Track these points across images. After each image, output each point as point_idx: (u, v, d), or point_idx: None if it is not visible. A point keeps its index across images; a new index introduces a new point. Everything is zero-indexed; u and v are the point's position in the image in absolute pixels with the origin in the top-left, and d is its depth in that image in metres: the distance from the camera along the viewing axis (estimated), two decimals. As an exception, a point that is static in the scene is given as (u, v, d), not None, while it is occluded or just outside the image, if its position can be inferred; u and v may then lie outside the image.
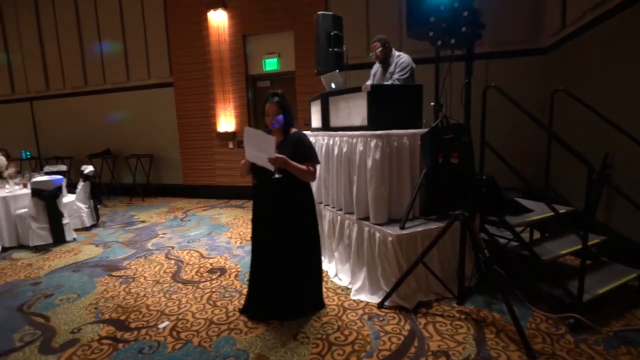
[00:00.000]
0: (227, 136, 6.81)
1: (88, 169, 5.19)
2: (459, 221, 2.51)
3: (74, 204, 5.01)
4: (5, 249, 4.31)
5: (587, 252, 2.31)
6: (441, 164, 2.84)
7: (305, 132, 3.99)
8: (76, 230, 4.86)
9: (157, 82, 7.20)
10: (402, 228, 2.72)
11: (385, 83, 3.62)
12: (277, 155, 2.21)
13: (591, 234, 2.83)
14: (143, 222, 5.51)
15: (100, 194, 6.38)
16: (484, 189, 2.86)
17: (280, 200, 2.42)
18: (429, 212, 2.99)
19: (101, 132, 7.72)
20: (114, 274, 3.52)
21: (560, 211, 2.97)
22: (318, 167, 3.54)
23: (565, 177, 4.15)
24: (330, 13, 4.18)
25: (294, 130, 2.47)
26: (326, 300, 2.79)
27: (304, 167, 2.35)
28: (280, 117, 2.38)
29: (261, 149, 2.24)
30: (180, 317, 2.66)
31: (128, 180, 7.46)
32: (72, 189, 5.39)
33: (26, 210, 4.35)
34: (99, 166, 7.46)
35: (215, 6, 6.44)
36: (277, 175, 2.29)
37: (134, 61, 7.28)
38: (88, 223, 5.14)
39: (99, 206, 5.54)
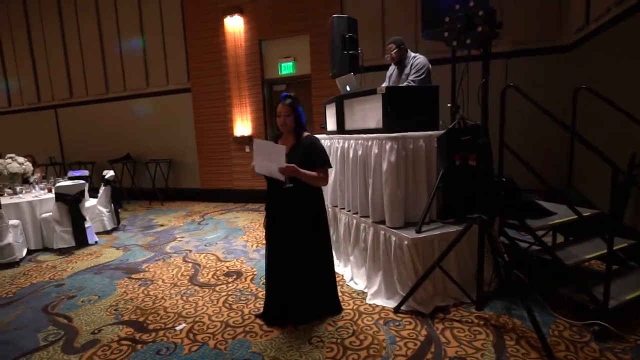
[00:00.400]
0: (243, 140, 6.88)
1: (109, 173, 5.34)
2: (476, 224, 2.45)
3: (95, 208, 5.16)
4: (31, 252, 4.47)
5: (612, 256, 2.22)
6: (459, 166, 2.79)
7: (320, 135, 4.01)
8: (98, 233, 4.99)
9: (175, 88, 7.36)
10: (419, 232, 2.68)
11: (401, 85, 3.59)
12: (287, 165, 2.21)
13: (618, 238, 2.72)
14: (162, 225, 5.61)
15: (121, 198, 6.55)
16: (503, 191, 2.79)
17: (290, 203, 2.43)
18: (447, 215, 2.94)
19: (122, 138, 7.93)
20: (133, 276, 3.59)
21: (585, 214, 2.87)
22: (332, 170, 3.58)
23: (591, 178, 4.01)
24: (345, 16, 4.18)
25: (306, 134, 2.48)
26: (342, 305, 2.76)
27: (314, 173, 2.34)
28: (291, 120, 2.38)
29: (271, 160, 2.24)
30: (197, 319, 2.68)
31: (147, 185, 7.63)
32: (94, 193, 5.56)
33: (50, 214, 4.50)
34: (119, 171, 7.66)
35: (231, 12, 6.54)
36: (288, 185, 2.29)
37: (153, 68, 7.47)
38: (109, 226, 5.28)
39: (119, 210, 5.68)
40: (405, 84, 3.53)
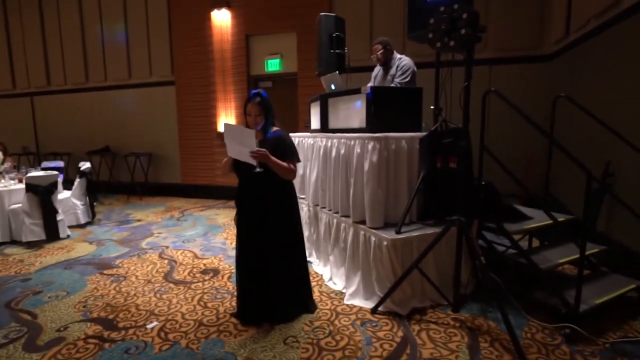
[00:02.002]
0: (226, 136, 6.76)
1: (85, 165, 5.16)
2: (455, 227, 2.46)
3: (69, 200, 4.98)
4: (-2, 244, 4.28)
5: (584, 261, 2.26)
6: (439, 168, 2.80)
7: (304, 133, 3.98)
8: (71, 227, 4.82)
9: (159, 80, 7.19)
10: (398, 232, 2.67)
11: (386, 86, 3.58)
12: (259, 149, 2.21)
13: (590, 244, 2.78)
14: (139, 220, 5.47)
15: (97, 191, 6.36)
16: (483, 194, 2.81)
17: (261, 197, 2.40)
18: (427, 216, 2.94)
19: (101, 129, 7.70)
20: (105, 272, 3.47)
21: (560, 219, 2.92)
22: (314, 168, 3.55)
23: (568, 185, 4.10)
24: (333, 14, 4.16)
25: (275, 128, 2.46)
26: (319, 305, 2.74)
27: (285, 164, 2.35)
28: (261, 119, 2.37)
29: (243, 144, 2.22)
30: (170, 317, 2.61)
31: (126, 178, 7.42)
32: (69, 185, 5.37)
33: (20, 205, 4.32)
34: (97, 163, 7.44)
35: (219, 5, 6.43)
36: (258, 169, 2.28)
37: (136, 59, 7.28)
38: (83, 220, 5.11)
39: (95, 203, 5.51)
40: (392, 85, 3.53)
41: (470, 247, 2.52)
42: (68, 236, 4.57)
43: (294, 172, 2.42)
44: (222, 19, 6.53)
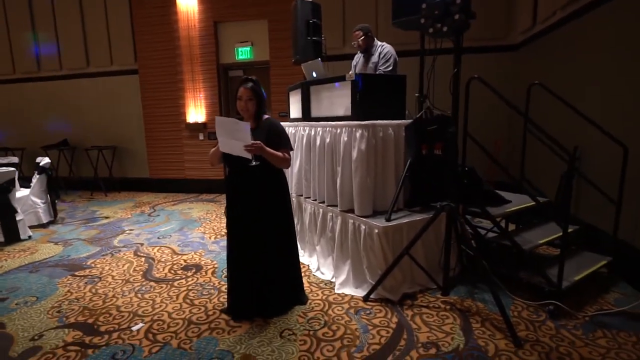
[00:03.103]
0: (197, 127, 6.53)
1: (44, 160, 4.78)
2: (445, 212, 2.50)
3: (28, 198, 4.60)
4: (-52, 249, 3.88)
5: (567, 240, 2.38)
6: (425, 155, 2.83)
7: (284, 122, 3.89)
8: (31, 227, 4.46)
9: (121, 69, 6.76)
10: (389, 220, 2.68)
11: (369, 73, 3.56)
12: (254, 142, 2.13)
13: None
14: (107, 217, 5.16)
15: (58, 187, 5.94)
16: (466, 180, 2.88)
17: (257, 181, 2.33)
18: (414, 203, 2.98)
19: (58, 122, 7.15)
20: (77, 273, 3.25)
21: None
22: (296, 157, 3.49)
23: (535, 169, 4.29)
24: (309, 0, 4.06)
25: (266, 116, 2.39)
26: (310, 295, 2.72)
27: (280, 153, 2.29)
28: (252, 104, 2.29)
29: (236, 137, 2.13)
30: (156, 317, 2.48)
31: (88, 174, 6.98)
32: (24, 182, 4.96)
33: (-27, 205, 3.93)
34: (55, 158, 6.93)
35: (183, -11, 6.11)
36: (254, 163, 2.22)
37: (94, 46, 6.79)
38: (45, 219, 4.74)
39: (56, 201, 5.13)
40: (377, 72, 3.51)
41: (457, 232, 2.58)
42: (30, 237, 4.23)
43: (288, 161, 2.37)
44: (187, 4, 6.22)
